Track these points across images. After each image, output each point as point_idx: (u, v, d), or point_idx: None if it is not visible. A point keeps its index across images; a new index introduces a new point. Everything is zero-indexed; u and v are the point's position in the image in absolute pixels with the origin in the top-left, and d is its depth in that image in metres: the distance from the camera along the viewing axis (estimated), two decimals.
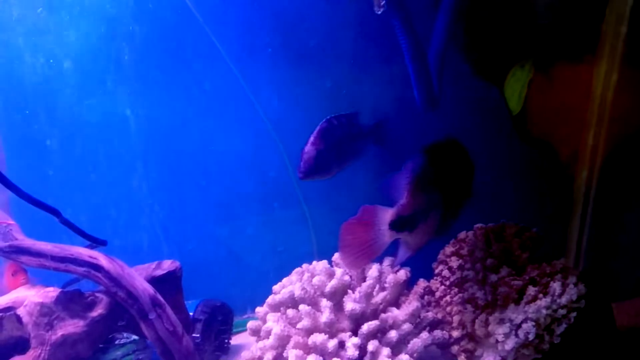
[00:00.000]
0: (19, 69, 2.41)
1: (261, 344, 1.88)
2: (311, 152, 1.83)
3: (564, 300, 1.79)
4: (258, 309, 1.99)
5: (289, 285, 1.91)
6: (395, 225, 1.56)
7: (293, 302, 1.88)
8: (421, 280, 2.02)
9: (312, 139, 1.85)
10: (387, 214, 1.55)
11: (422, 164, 1.59)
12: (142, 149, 2.57)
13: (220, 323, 2.17)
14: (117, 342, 1.87)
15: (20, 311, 1.69)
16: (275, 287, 2.01)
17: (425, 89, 2.12)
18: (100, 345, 1.82)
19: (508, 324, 1.77)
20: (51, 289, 1.75)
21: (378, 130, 2.03)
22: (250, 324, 1.97)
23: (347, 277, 1.82)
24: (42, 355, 1.65)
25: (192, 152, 2.60)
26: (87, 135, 2.52)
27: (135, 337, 1.89)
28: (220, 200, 2.62)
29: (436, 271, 2.02)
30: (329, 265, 1.91)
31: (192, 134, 2.59)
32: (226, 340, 2.23)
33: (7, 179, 1.65)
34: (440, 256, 2.05)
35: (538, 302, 1.79)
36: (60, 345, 1.69)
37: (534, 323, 1.76)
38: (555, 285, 1.80)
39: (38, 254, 1.74)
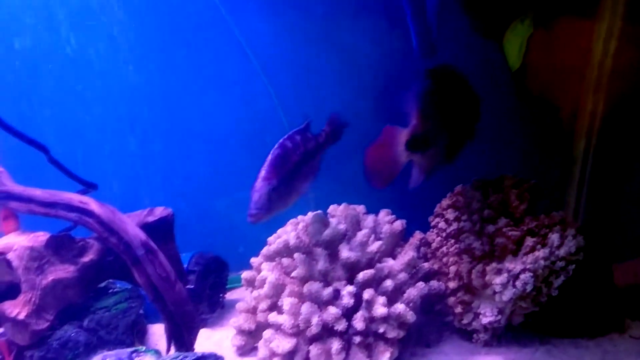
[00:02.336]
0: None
1: (256, 293, 1.87)
2: (262, 191, 1.52)
3: (562, 252, 1.77)
4: (253, 259, 1.98)
5: (284, 235, 1.88)
6: (410, 145, 1.60)
7: (288, 252, 1.87)
8: (417, 232, 1.99)
9: (263, 172, 1.54)
10: (403, 135, 1.60)
11: (427, 85, 1.62)
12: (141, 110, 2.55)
13: (214, 276, 2.15)
14: (110, 290, 1.85)
15: (10, 255, 1.66)
16: (270, 238, 1.99)
17: (423, 36, 2.07)
18: (92, 294, 1.80)
19: (506, 275, 1.75)
20: (41, 233, 1.72)
21: (332, 129, 1.77)
22: (245, 274, 1.95)
23: (342, 226, 1.80)
24: (33, 299, 1.63)
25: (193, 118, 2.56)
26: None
27: (127, 285, 1.86)
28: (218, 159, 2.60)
29: (432, 223, 2.00)
30: (324, 216, 1.87)
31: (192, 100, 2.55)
32: (221, 295, 2.21)
33: None
34: (437, 209, 2.03)
35: (536, 253, 1.77)
36: (51, 289, 1.67)
37: (532, 274, 1.74)
38: (554, 237, 1.78)
39: (28, 200, 1.70)
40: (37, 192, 1.71)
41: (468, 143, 1.72)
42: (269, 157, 1.58)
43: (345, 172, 2.51)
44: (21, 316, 1.61)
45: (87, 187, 1.85)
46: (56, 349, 1.69)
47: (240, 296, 2.40)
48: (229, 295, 2.39)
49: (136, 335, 1.84)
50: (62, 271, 1.69)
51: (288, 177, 1.58)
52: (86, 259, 1.73)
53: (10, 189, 1.73)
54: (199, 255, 2.13)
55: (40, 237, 1.69)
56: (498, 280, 1.76)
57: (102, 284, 1.86)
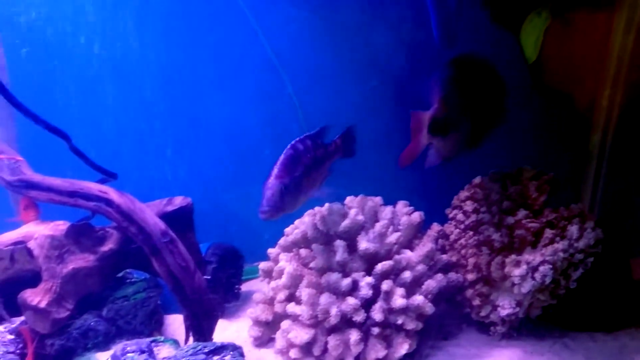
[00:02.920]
0: None
1: (273, 284, 1.87)
2: (275, 187, 1.55)
3: (581, 244, 1.76)
4: (270, 250, 1.97)
5: (302, 226, 1.88)
6: (431, 128, 1.63)
7: (306, 242, 1.86)
8: (435, 224, 1.98)
9: (276, 170, 1.58)
10: (425, 117, 1.63)
11: (451, 71, 1.64)
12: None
13: (230, 267, 2.15)
14: (128, 280, 1.85)
15: (31, 244, 1.67)
16: (287, 229, 1.98)
17: (444, 26, 2.06)
18: (111, 284, 1.80)
19: (525, 267, 1.75)
20: (61, 222, 1.73)
21: (344, 143, 1.82)
22: (262, 265, 1.95)
23: (360, 217, 1.79)
24: (54, 287, 1.63)
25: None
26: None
27: (146, 275, 1.87)
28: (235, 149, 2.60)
29: (450, 215, 1.99)
30: (342, 206, 1.87)
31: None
32: (236, 286, 2.21)
33: (16, 99, 1.60)
34: (455, 201, 2.02)
35: (555, 245, 1.76)
36: (71, 278, 1.67)
37: (550, 266, 1.73)
38: (573, 229, 1.77)
39: (47, 189, 1.71)
40: (57, 181, 1.71)
41: (492, 131, 1.72)
42: (282, 156, 1.62)
43: (363, 164, 2.51)
44: (42, 304, 1.61)
45: (107, 177, 1.85)
46: (76, 338, 1.69)
47: (255, 288, 2.40)
48: (244, 287, 2.38)
49: (154, 325, 1.84)
50: (82, 260, 1.69)
51: (299, 179, 1.60)
52: (106, 248, 1.73)
53: (29, 178, 1.74)
54: (215, 245, 2.13)
55: (61, 226, 1.70)
56: (517, 272, 1.75)
57: (120, 274, 1.86)
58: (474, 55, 1.72)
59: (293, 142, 1.66)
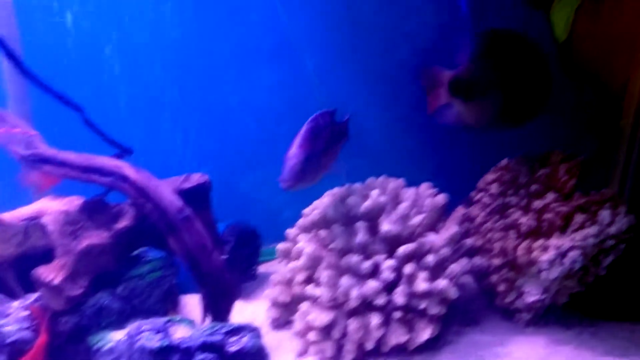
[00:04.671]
0: None
1: (292, 265, 1.82)
2: (299, 157, 1.59)
3: (613, 229, 1.69)
4: (289, 231, 1.93)
5: (321, 207, 1.82)
6: (452, 86, 1.64)
7: (325, 223, 1.81)
8: (460, 207, 1.92)
9: (299, 140, 1.62)
10: (446, 75, 1.65)
11: (485, 39, 1.65)
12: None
13: (248, 247, 2.11)
14: (143, 259, 1.81)
15: (45, 220, 1.63)
16: (306, 210, 1.94)
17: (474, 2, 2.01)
18: (126, 262, 1.77)
19: (553, 252, 1.68)
20: (75, 197, 1.69)
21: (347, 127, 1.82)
22: (281, 246, 1.91)
23: (382, 198, 1.74)
24: (68, 264, 1.60)
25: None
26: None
27: (161, 254, 1.83)
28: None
29: (475, 198, 1.93)
30: (363, 187, 1.82)
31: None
32: (253, 267, 2.17)
33: (29, 70, 1.56)
34: (480, 184, 1.96)
35: (586, 230, 1.69)
36: (85, 255, 1.64)
37: (580, 252, 1.66)
38: (605, 214, 1.70)
39: (62, 163, 1.67)
40: (71, 156, 1.68)
41: (534, 114, 1.67)
42: (304, 128, 1.63)
43: (384, 146, 2.46)
44: (56, 281, 1.58)
45: (123, 152, 1.81)
46: (90, 316, 1.66)
47: (272, 269, 2.36)
48: (261, 268, 2.35)
49: (169, 305, 1.80)
50: (96, 237, 1.66)
51: (319, 151, 1.62)
52: (121, 225, 1.70)
53: (43, 152, 1.71)
54: (233, 225, 2.09)
55: (75, 202, 1.66)
56: (545, 257, 1.69)
57: (135, 252, 1.82)
58: (515, 30, 1.67)
59: (314, 115, 1.66)
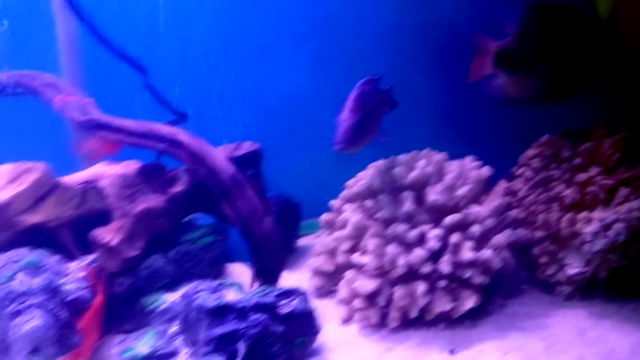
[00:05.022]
0: None
1: (337, 234, 1.85)
2: (351, 120, 1.62)
3: None
4: (333, 202, 1.96)
5: (366, 178, 1.85)
6: (498, 57, 1.67)
7: (370, 194, 1.84)
8: (502, 180, 1.94)
9: (350, 104, 1.65)
10: (493, 45, 1.68)
11: (536, 12, 1.66)
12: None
13: (289, 219, 2.15)
14: (195, 224, 1.86)
15: (103, 183, 1.68)
16: (350, 182, 1.96)
17: None
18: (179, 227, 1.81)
19: (597, 224, 1.70)
20: (132, 162, 1.73)
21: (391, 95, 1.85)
22: (325, 216, 1.94)
23: (429, 169, 1.76)
24: (125, 226, 1.64)
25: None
26: None
27: (213, 220, 1.87)
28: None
29: (517, 173, 1.95)
30: (409, 158, 1.84)
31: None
32: (294, 239, 2.21)
33: (95, 27, 1.60)
34: (521, 159, 1.98)
35: (630, 203, 1.70)
36: (141, 218, 1.68)
37: (625, 224, 1.68)
38: None
39: (118, 129, 1.71)
40: (127, 122, 1.72)
41: (580, 90, 1.68)
42: (354, 93, 1.67)
43: (424, 121, 2.47)
44: (113, 242, 1.63)
45: (179, 117, 1.85)
46: (145, 277, 1.71)
47: (311, 243, 2.40)
48: (299, 242, 2.38)
49: (218, 271, 1.85)
50: (152, 200, 1.70)
51: (367, 117, 1.66)
52: (176, 189, 1.74)
53: (99, 118, 1.74)
54: (276, 196, 2.12)
55: (132, 166, 1.71)
56: (589, 229, 1.71)
57: (187, 218, 1.86)
58: (567, 4, 1.69)
59: (361, 81, 1.70)
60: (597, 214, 1.73)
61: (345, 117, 1.62)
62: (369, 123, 1.67)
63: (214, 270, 1.86)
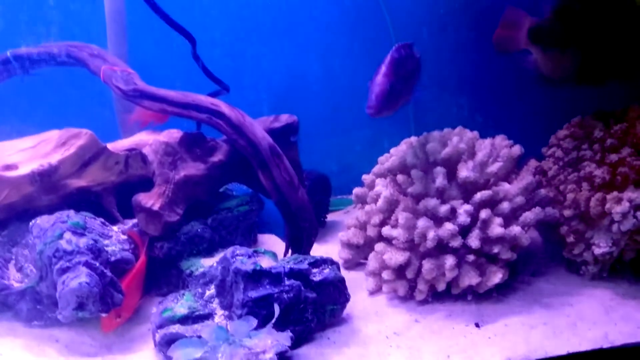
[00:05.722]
0: None
1: (368, 207, 1.90)
2: (384, 85, 1.62)
3: None
4: (365, 177, 2.00)
5: (399, 153, 1.89)
6: (531, 33, 1.68)
7: (402, 169, 1.87)
8: (532, 159, 1.96)
9: (384, 69, 1.64)
10: (528, 20, 1.69)
11: None
12: None
13: (321, 193, 2.19)
14: (231, 193, 1.91)
15: (146, 149, 1.74)
16: (382, 158, 2.00)
17: None
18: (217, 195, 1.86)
19: (627, 204, 1.72)
20: (174, 130, 1.79)
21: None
22: (356, 190, 1.98)
23: (463, 145, 1.79)
24: (166, 192, 1.71)
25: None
26: None
27: (249, 190, 1.93)
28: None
29: (548, 153, 1.97)
30: (442, 134, 1.87)
31: None
32: (324, 214, 2.26)
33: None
34: (552, 140, 1.99)
35: None
36: (182, 185, 1.74)
37: None
38: None
39: (161, 99, 1.77)
40: (171, 93, 1.77)
41: (618, 73, 1.69)
42: (388, 57, 1.67)
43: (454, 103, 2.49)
44: (155, 207, 1.69)
45: (221, 89, 1.90)
46: (184, 242, 1.77)
47: (338, 219, 2.44)
48: (329, 217, 2.43)
49: (252, 239, 1.90)
50: (193, 168, 1.76)
51: (403, 80, 1.67)
52: (215, 159, 1.79)
53: (143, 88, 1.80)
54: (308, 172, 2.16)
55: (175, 134, 1.76)
56: (619, 209, 1.72)
57: (222, 189, 1.92)
58: None
59: (397, 46, 1.70)
60: (627, 194, 1.75)
61: (378, 81, 1.62)
62: (402, 88, 1.67)
63: (249, 238, 1.91)
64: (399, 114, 2.52)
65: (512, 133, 2.02)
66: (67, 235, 1.56)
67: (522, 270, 1.92)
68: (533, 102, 2.48)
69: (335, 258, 1.98)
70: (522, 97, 2.49)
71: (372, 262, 1.85)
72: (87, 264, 1.50)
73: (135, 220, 1.74)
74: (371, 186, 1.95)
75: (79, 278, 1.47)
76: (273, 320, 1.46)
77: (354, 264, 2.02)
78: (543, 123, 2.10)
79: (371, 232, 1.90)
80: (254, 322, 1.48)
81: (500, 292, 1.79)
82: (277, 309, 1.46)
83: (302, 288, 1.57)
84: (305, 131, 2.58)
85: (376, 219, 1.87)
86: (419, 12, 2.56)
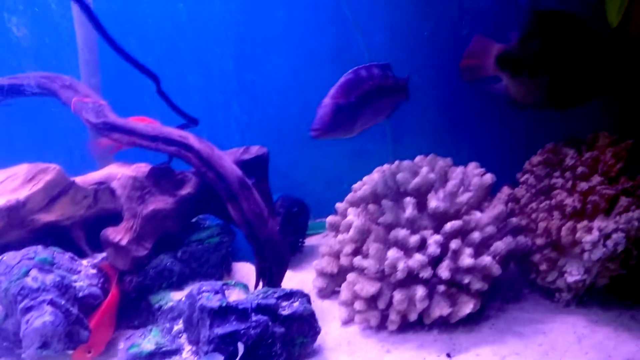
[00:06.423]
0: None
1: (340, 237, 1.90)
2: (328, 107, 1.58)
3: None
4: (338, 205, 2.00)
5: (371, 182, 1.89)
6: (499, 60, 1.70)
7: (374, 198, 1.88)
8: (505, 187, 1.97)
9: (332, 91, 1.61)
10: (495, 48, 1.71)
11: (540, 20, 1.69)
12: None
13: (297, 219, 2.19)
14: (201, 225, 1.91)
15: (114, 184, 1.74)
16: (356, 185, 2.00)
17: None
18: (187, 227, 1.86)
19: (597, 233, 1.72)
20: (143, 164, 1.79)
21: (406, 86, 1.84)
22: (330, 219, 1.98)
23: (432, 176, 1.79)
24: (134, 227, 1.70)
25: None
26: None
27: (219, 221, 1.92)
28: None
29: (521, 179, 1.97)
30: (413, 164, 1.87)
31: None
32: (301, 239, 2.25)
33: (110, 36, 1.65)
34: (526, 166, 1.99)
35: (630, 213, 1.72)
36: (150, 219, 1.74)
37: (624, 234, 1.70)
38: None
39: (130, 132, 1.77)
40: (139, 125, 1.78)
41: (588, 97, 1.70)
42: (341, 79, 1.64)
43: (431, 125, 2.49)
44: (123, 242, 1.69)
45: (190, 122, 1.90)
46: (152, 276, 1.77)
47: (317, 243, 2.44)
48: (307, 241, 2.43)
49: (224, 270, 1.90)
50: (161, 202, 1.76)
51: (356, 103, 1.62)
52: (184, 192, 1.79)
53: (113, 121, 1.80)
54: (284, 197, 2.16)
55: (142, 168, 1.76)
56: (589, 238, 1.72)
57: (195, 219, 1.92)
58: (569, 13, 1.70)
59: (357, 67, 1.67)
60: (597, 223, 1.75)
61: (324, 103, 1.59)
62: (356, 110, 1.63)
63: (221, 269, 1.91)
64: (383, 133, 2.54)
65: (489, 157, 2.02)
66: (34, 272, 1.56)
67: (496, 298, 1.92)
68: (512, 124, 2.49)
69: (311, 285, 2.00)
70: (501, 118, 2.50)
71: (344, 292, 1.85)
72: (52, 302, 1.50)
73: (104, 254, 1.73)
74: (344, 214, 1.95)
75: (43, 317, 1.47)
76: (238, 358, 1.46)
77: (329, 292, 2.02)
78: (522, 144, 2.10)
79: (344, 261, 1.90)
80: (220, 358, 1.47)
81: (473, 321, 1.79)
82: (241, 347, 1.46)
83: (270, 323, 1.56)
84: (285, 149, 2.59)
85: (348, 249, 1.87)
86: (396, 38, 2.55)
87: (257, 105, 2.67)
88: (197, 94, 2.59)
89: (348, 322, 1.85)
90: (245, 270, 2.08)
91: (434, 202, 1.77)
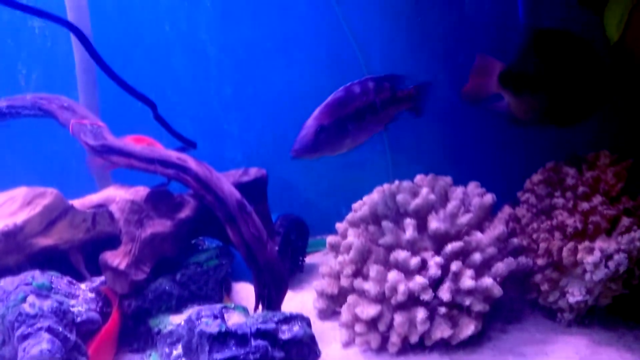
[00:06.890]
0: None
1: (340, 258, 1.89)
2: (310, 129, 1.56)
3: None
4: (338, 225, 1.99)
5: (371, 202, 1.88)
6: (502, 78, 1.70)
7: (374, 219, 1.87)
8: (506, 206, 1.96)
9: (316, 112, 1.59)
10: (498, 66, 1.72)
11: (540, 38, 1.70)
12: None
13: (297, 239, 2.18)
14: (200, 247, 1.90)
15: (112, 208, 1.73)
16: (355, 205, 1.99)
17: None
18: (185, 250, 1.85)
19: (599, 254, 1.71)
20: (141, 188, 1.79)
21: (417, 96, 1.78)
22: (330, 239, 1.97)
23: (432, 197, 1.78)
24: (133, 250, 1.69)
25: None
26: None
27: (218, 243, 1.91)
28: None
29: (522, 199, 1.96)
30: (413, 184, 1.86)
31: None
32: (301, 258, 2.24)
33: (106, 65, 1.65)
34: (527, 184, 1.99)
35: (632, 233, 1.71)
36: (149, 242, 1.73)
37: (626, 255, 1.69)
38: None
39: (128, 154, 1.76)
40: (138, 147, 1.77)
41: (586, 114, 1.70)
42: (329, 98, 1.61)
43: (430, 142, 2.49)
44: (122, 266, 1.68)
45: (187, 145, 1.90)
46: (151, 300, 1.76)
47: (318, 260, 2.43)
48: (307, 259, 2.42)
49: (224, 292, 1.89)
50: (159, 225, 1.75)
51: (344, 122, 1.59)
52: (182, 215, 1.78)
53: (111, 143, 1.80)
54: (283, 217, 2.16)
55: (141, 192, 1.75)
56: (590, 259, 1.71)
57: (193, 241, 1.91)
58: (568, 31, 1.71)
59: (349, 84, 1.63)
60: (599, 243, 1.74)
61: (306, 124, 1.58)
62: (345, 127, 1.61)
63: (220, 292, 1.89)
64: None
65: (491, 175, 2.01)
66: (31, 298, 1.55)
67: (498, 318, 1.91)
68: (510, 146, 2.48)
69: (312, 306, 1.98)
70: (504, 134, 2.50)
71: (344, 314, 1.84)
72: (49, 329, 1.48)
73: (102, 278, 1.73)
74: (344, 235, 1.94)
75: (40, 345, 1.45)
76: None
77: (330, 313, 2.01)
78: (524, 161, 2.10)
79: (345, 282, 1.89)
80: None
81: (474, 342, 1.77)
82: None
83: (270, 348, 1.54)
84: (285, 171, 2.58)
85: (349, 270, 1.86)
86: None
87: (253, 117, 2.65)
88: (193, 109, 2.58)
89: (349, 344, 1.84)
90: (245, 292, 2.06)
91: (435, 223, 1.76)
